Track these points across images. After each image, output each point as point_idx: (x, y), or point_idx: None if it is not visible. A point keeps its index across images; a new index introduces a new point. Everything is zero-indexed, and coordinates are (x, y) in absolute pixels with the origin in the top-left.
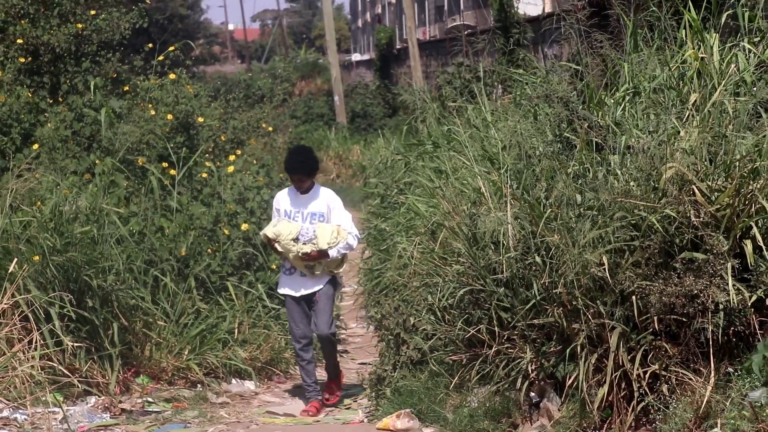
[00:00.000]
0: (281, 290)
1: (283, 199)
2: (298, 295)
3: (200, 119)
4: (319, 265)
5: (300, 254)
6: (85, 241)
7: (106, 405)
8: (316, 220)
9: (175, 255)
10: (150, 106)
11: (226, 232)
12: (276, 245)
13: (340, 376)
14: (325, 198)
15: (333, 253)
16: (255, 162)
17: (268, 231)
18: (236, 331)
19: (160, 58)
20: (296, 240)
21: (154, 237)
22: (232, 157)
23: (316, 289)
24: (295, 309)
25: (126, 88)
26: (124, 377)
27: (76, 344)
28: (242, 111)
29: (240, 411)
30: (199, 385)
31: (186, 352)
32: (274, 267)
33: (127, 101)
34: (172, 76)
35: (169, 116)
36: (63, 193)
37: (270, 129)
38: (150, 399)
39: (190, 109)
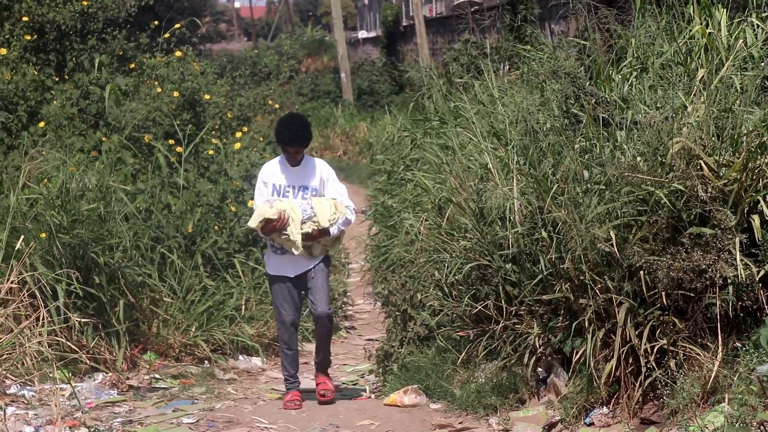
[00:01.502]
0: (272, 271)
1: (272, 172)
2: (293, 275)
3: (206, 96)
4: (318, 244)
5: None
6: (92, 219)
7: (114, 381)
8: (308, 194)
9: (182, 232)
10: (156, 83)
11: (233, 209)
12: (273, 227)
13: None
14: (319, 169)
15: (333, 230)
16: (261, 139)
17: (267, 212)
18: (243, 307)
19: (166, 35)
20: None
21: (160, 214)
22: (238, 134)
23: (311, 266)
24: (286, 291)
25: (132, 66)
26: (132, 354)
27: (83, 321)
28: (249, 88)
29: (247, 387)
30: (206, 362)
31: (193, 329)
32: None
33: (134, 79)
34: (178, 53)
35: (176, 93)
36: (70, 171)
37: (277, 106)
38: (157, 375)
39: (197, 86)
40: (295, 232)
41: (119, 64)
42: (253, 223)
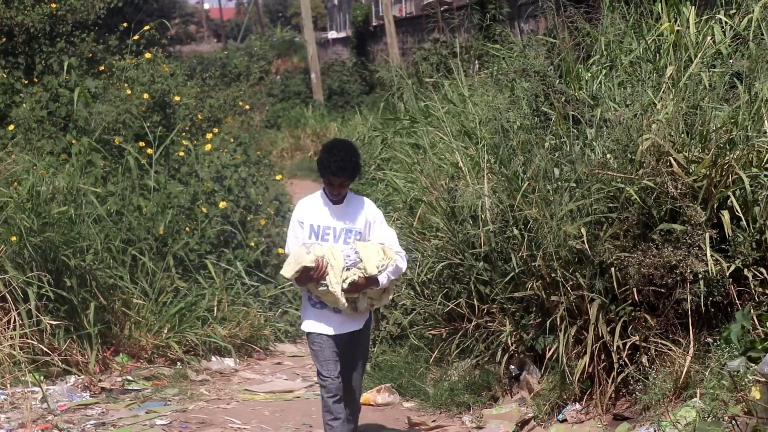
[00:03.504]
0: (309, 328)
1: (310, 210)
2: (333, 333)
3: (176, 98)
4: (364, 297)
5: (346, 285)
6: (63, 222)
7: (86, 384)
8: (351, 238)
9: (153, 234)
10: (126, 85)
11: (204, 210)
12: (310, 276)
13: None
14: (364, 210)
15: (382, 279)
16: (232, 140)
17: (305, 259)
18: (215, 308)
19: (136, 37)
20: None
21: (131, 216)
22: (209, 136)
23: (355, 328)
24: (328, 350)
25: (101, 68)
26: (104, 356)
27: (54, 323)
28: (219, 89)
29: (220, 388)
30: (178, 363)
31: (165, 331)
32: (252, 245)
33: (103, 81)
34: (147, 55)
35: (146, 95)
36: (40, 174)
37: (247, 107)
38: (130, 377)
39: (167, 88)
40: (334, 282)
41: (88, 66)
42: (288, 272)
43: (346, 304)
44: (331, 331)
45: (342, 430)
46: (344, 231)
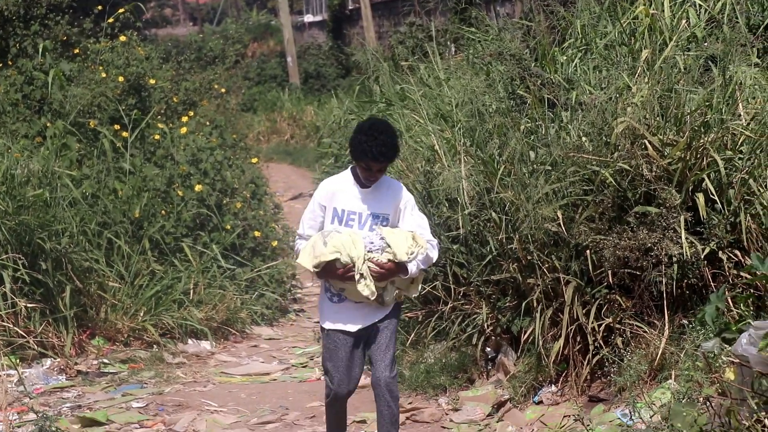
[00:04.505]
0: (327, 324)
1: (335, 192)
2: (354, 330)
3: (152, 81)
4: (392, 287)
5: (371, 269)
6: (38, 205)
7: (62, 367)
8: (378, 224)
9: (129, 217)
10: (101, 68)
11: (180, 193)
12: (333, 272)
13: None
14: (396, 195)
15: (412, 267)
16: (208, 123)
17: (324, 253)
18: (192, 291)
19: (110, 20)
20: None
21: (107, 199)
22: (184, 119)
23: (378, 318)
24: (342, 353)
25: (76, 51)
26: (80, 339)
27: (30, 306)
28: (194, 73)
29: (196, 371)
30: (155, 346)
31: (141, 314)
32: (228, 228)
33: (78, 64)
34: (122, 38)
35: (121, 78)
36: (14, 157)
37: (223, 90)
38: (106, 360)
39: (142, 71)
40: (358, 264)
41: (63, 49)
42: (308, 263)
43: (375, 293)
44: (352, 328)
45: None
46: (371, 216)
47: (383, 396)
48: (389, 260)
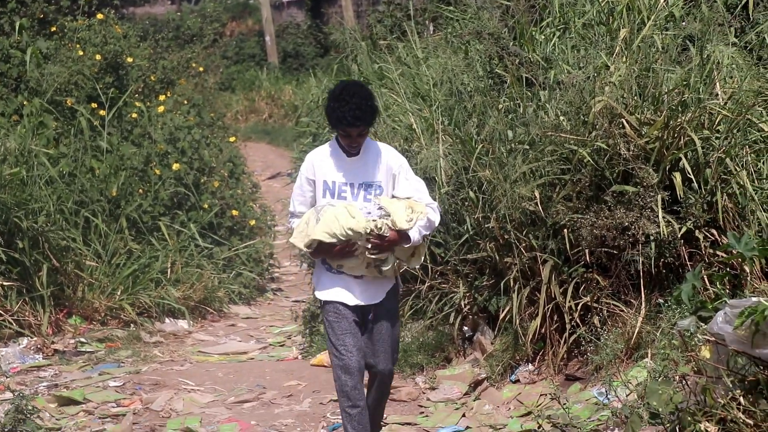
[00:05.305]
0: (325, 296)
1: (321, 164)
2: (353, 304)
3: (129, 59)
4: (391, 257)
5: (371, 238)
6: (14, 183)
7: (39, 346)
8: (372, 193)
9: (106, 196)
10: (78, 46)
11: (158, 172)
12: (330, 251)
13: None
14: (386, 160)
15: (414, 234)
16: (186, 102)
17: (317, 232)
18: (169, 270)
19: None
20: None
21: (84, 178)
22: (162, 97)
23: (377, 300)
24: (346, 323)
25: (53, 29)
26: (57, 318)
27: (7, 285)
28: (172, 51)
29: (174, 350)
30: (132, 325)
31: (119, 293)
32: (206, 207)
33: (55, 42)
34: (99, 16)
35: (98, 56)
36: None
37: (201, 69)
38: (83, 339)
39: (119, 49)
40: (355, 238)
41: (40, 27)
42: (300, 241)
43: (368, 245)
44: (350, 300)
45: (361, 420)
46: (363, 186)
47: (382, 381)
48: (389, 228)
